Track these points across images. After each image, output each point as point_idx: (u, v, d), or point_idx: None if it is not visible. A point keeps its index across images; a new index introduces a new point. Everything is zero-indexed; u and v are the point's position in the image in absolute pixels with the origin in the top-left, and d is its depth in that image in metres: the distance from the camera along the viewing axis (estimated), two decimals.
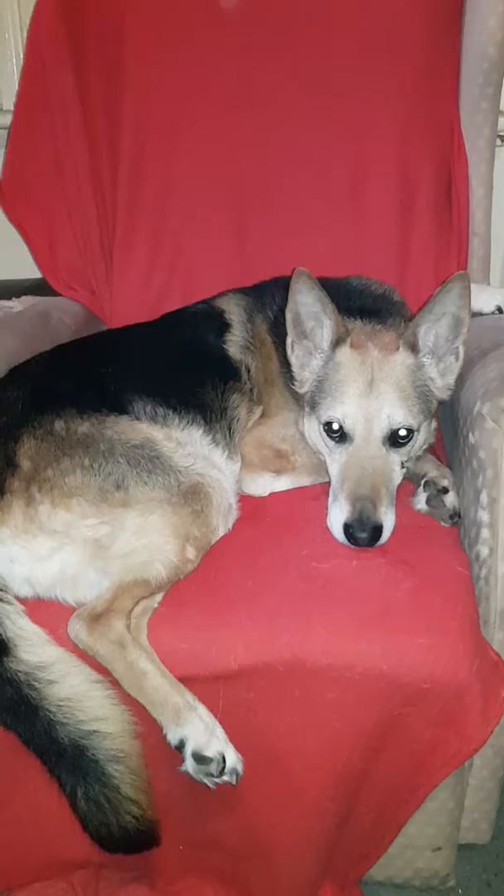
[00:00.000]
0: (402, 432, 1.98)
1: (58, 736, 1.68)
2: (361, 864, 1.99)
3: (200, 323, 2.38)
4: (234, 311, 2.39)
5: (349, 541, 1.89)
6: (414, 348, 2.04)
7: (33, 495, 1.83)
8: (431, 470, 2.11)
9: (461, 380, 2.11)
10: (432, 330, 2.03)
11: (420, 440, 2.05)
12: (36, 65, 2.82)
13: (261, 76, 2.72)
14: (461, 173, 2.73)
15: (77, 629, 1.74)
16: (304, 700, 1.73)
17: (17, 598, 1.83)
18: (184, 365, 2.24)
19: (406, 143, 2.73)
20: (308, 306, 2.07)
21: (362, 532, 1.87)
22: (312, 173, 2.77)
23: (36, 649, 1.74)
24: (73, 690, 1.71)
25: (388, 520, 1.90)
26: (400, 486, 2.09)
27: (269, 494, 2.19)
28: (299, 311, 2.09)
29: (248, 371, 2.29)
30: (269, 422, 2.26)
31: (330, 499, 1.98)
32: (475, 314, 2.45)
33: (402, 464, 2.01)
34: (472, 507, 1.96)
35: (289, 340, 2.15)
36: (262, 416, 2.28)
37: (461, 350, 2.07)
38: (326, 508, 1.97)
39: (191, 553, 1.83)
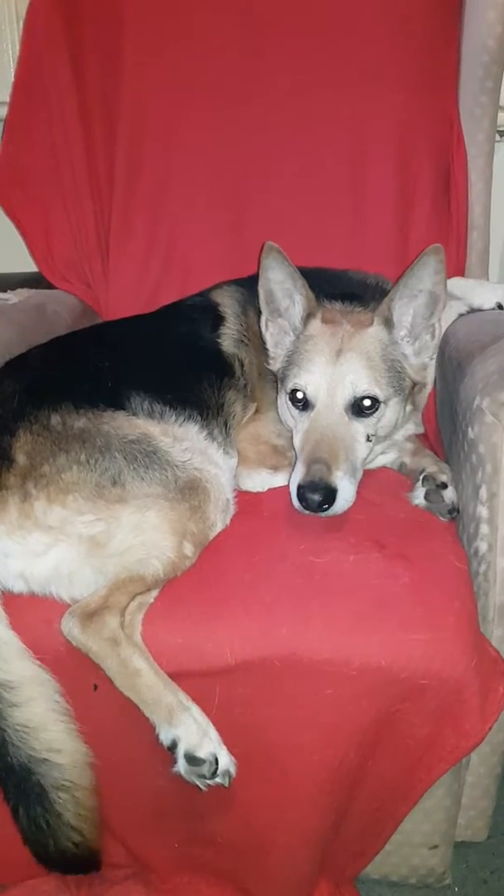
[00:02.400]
0: (367, 402, 1.97)
1: (8, 754, 1.68)
2: (358, 862, 1.98)
3: (196, 316, 2.37)
4: (228, 304, 2.38)
5: (301, 504, 1.87)
6: (388, 323, 2.04)
7: (29, 491, 1.81)
8: (430, 465, 2.10)
9: (460, 374, 2.10)
10: (409, 307, 2.03)
11: (389, 416, 2.03)
12: (32, 56, 2.80)
13: (259, 67, 2.71)
14: (460, 167, 2.71)
15: (70, 626, 1.72)
16: (300, 695, 1.72)
17: (11, 593, 1.81)
18: (180, 360, 2.23)
19: (405, 136, 2.72)
20: (280, 283, 2.09)
21: (313, 493, 1.85)
22: (311, 166, 2.75)
23: (6, 664, 1.72)
24: (33, 718, 1.70)
25: (343, 486, 1.88)
26: (399, 481, 2.09)
27: (267, 489, 2.18)
28: (272, 287, 2.11)
29: (242, 366, 2.28)
30: (264, 417, 2.25)
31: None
32: (475, 310, 2.45)
33: (368, 437, 2.00)
34: (472, 502, 1.95)
35: (263, 318, 2.16)
36: (257, 411, 2.27)
37: (437, 327, 2.07)
38: None
39: (188, 549, 1.82)
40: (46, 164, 2.86)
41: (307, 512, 1.89)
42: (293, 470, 1.96)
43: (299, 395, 2.02)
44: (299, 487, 1.88)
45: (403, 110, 2.71)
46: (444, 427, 2.34)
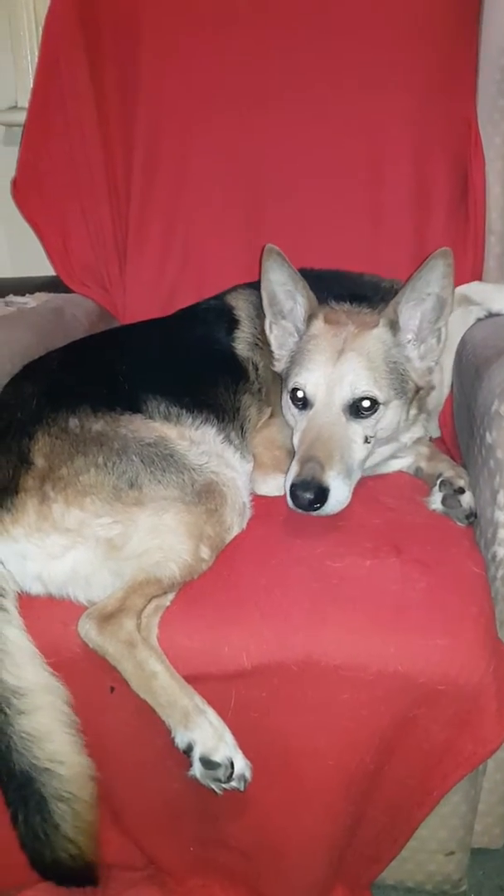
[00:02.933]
0: (366, 403, 1.96)
1: (11, 760, 1.68)
2: (373, 867, 1.97)
3: (211, 320, 2.38)
4: (242, 307, 2.39)
5: (294, 503, 1.88)
6: (393, 326, 2.04)
7: (47, 493, 1.81)
8: (447, 470, 2.09)
9: (477, 379, 2.09)
10: (416, 311, 2.03)
11: (389, 418, 2.03)
12: (51, 62, 2.82)
13: (276, 71, 2.72)
14: (478, 171, 2.70)
15: (87, 628, 1.72)
16: (317, 700, 1.72)
17: (28, 595, 1.82)
18: (196, 364, 2.24)
19: (422, 140, 2.72)
20: (281, 284, 2.11)
21: (305, 492, 1.86)
22: (327, 169, 2.76)
23: (18, 670, 1.72)
24: (39, 727, 1.70)
25: (336, 486, 1.89)
26: (415, 486, 2.08)
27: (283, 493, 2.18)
28: (274, 289, 2.13)
29: (257, 369, 2.29)
30: (278, 421, 2.24)
31: None
32: (493, 315, 2.44)
33: (367, 438, 1.99)
34: (489, 507, 1.94)
35: (267, 321, 2.17)
36: (272, 415, 2.27)
37: (443, 331, 2.06)
38: None
39: (205, 553, 1.82)
40: (64, 170, 2.87)
41: (300, 511, 1.89)
42: (290, 468, 1.97)
43: (299, 393, 2.03)
44: (292, 486, 1.89)
45: (420, 114, 2.71)
46: (462, 432, 2.33)
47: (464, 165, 2.73)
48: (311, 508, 1.88)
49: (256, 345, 2.32)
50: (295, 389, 2.03)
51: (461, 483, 2.04)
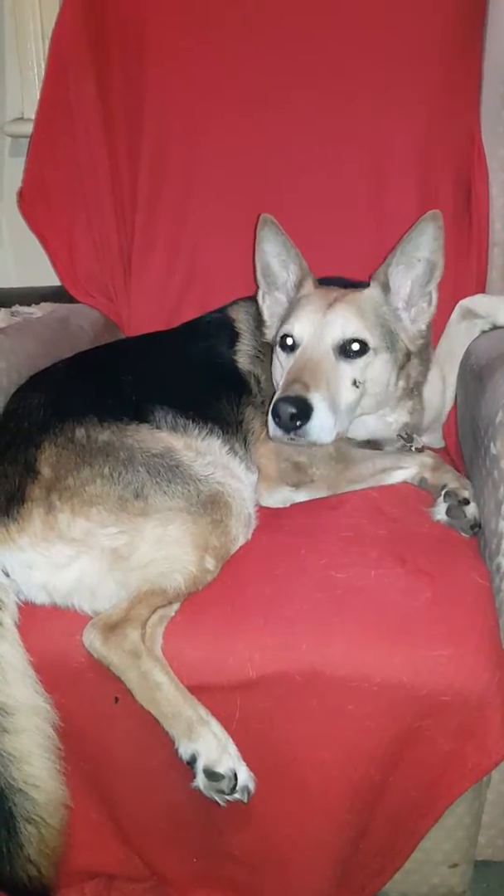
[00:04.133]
0: (355, 346, 1.97)
1: None
2: (377, 879, 1.96)
3: (213, 333, 2.39)
4: (242, 319, 2.40)
5: (274, 420, 1.88)
6: (385, 288, 2.06)
7: (53, 503, 1.82)
8: (451, 481, 2.09)
9: (481, 390, 2.09)
10: (407, 276, 2.05)
11: (378, 368, 2.04)
12: (58, 73, 2.83)
13: (281, 83, 2.73)
14: (481, 183, 2.71)
15: (91, 638, 1.73)
16: (321, 710, 1.72)
17: (33, 605, 1.82)
18: (199, 377, 2.25)
19: (426, 150, 2.73)
20: (276, 255, 2.14)
21: (287, 405, 1.85)
22: (332, 180, 2.77)
23: (8, 688, 1.71)
24: (19, 748, 1.70)
25: (320, 408, 1.88)
26: (420, 496, 2.07)
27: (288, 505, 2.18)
28: (268, 260, 2.16)
29: (259, 383, 2.29)
30: None
31: None
32: (499, 327, 2.44)
33: (355, 382, 2.00)
34: (493, 518, 1.94)
35: (259, 292, 2.19)
36: None
37: (434, 295, 2.08)
38: None
39: (210, 563, 1.83)
40: (70, 181, 2.89)
41: (280, 432, 1.88)
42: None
43: (288, 340, 2.04)
44: (274, 403, 1.88)
45: (424, 125, 2.72)
46: (466, 442, 2.33)
47: (467, 177, 2.74)
48: (293, 425, 1.86)
49: (257, 357, 2.32)
50: (285, 336, 2.05)
51: (466, 494, 2.04)
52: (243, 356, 2.32)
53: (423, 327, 2.11)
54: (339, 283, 2.27)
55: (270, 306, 2.21)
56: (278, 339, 2.08)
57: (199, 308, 2.68)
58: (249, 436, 2.21)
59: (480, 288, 2.70)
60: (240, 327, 2.37)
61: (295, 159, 2.78)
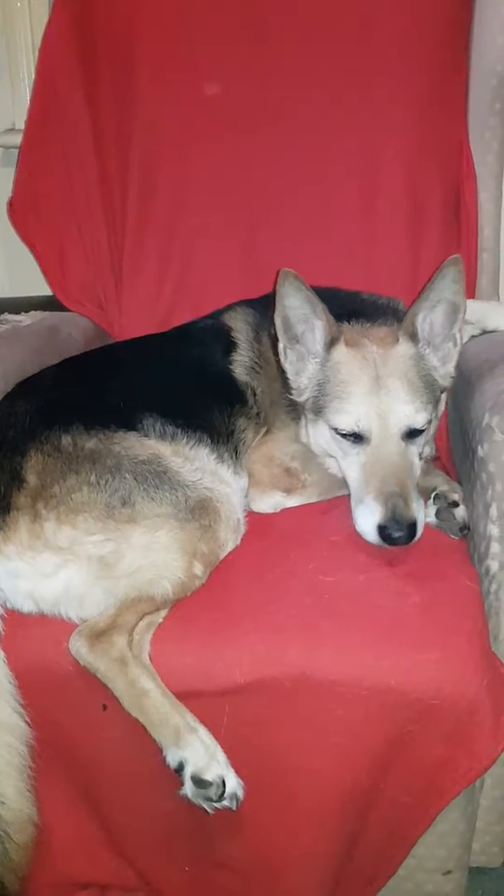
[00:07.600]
0: (419, 426, 1.96)
1: None
2: (370, 887, 1.95)
3: (208, 340, 2.36)
4: (240, 328, 2.37)
5: (386, 542, 1.86)
6: (414, 338, 2.03)
7: (39, 511, 1.81)
8: (441, 484, 2.09)
9: (470, 393, 2.09)
10: (428, 318, 2.03)
11: (433, 428, 2.05)
12: (47, 84, 2.84)
13: (271, 93, 2.73)
14: (470, 190, 2.72)
15: (78, 646, 1.72)
16: (310, 716, 1.71)
17: (20, 613, 1.81)
18: (191, 385, 2.22)
19: (415, 159, 2.73)
20: (296, 309, 2.04)
21: (399, 531, 1.84)
22: (322, 188, 2.77)
23: None
24: None
25: (420, 514, 1.88)
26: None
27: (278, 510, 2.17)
28: (288, 314, 2.05)
29: (255, 395, 2.26)
30: (276, 437, 2.23)
31: (353, 503, 1.95)
32: (489, 332, 2.45)
33: (420, 455, 2.00)
34: (482, 521, 1.94)
35: (280, 346, 2.11)
36: (268, 431, 2.25)
37: (458, 336, 2.06)
38: (351, 514, 1.94)
39: (198, 569, 1.82)
40: (61, 190, 2.89)
41: (388, 546, 1.87)
42: (354, 504, 1.94)
43: (349, 429, 1.98)
44: (382, 528, 1.85)
45: (413, 133, 2.73)
46: (455, 446, 2.33)
47: (456, 184, 2.75)
48: (406, 543, 1.86)
49: (254, 369, 2.29)
50: (343, 426, 1.99)
51: (455, 497, 2.04)
52: (240, 367, 2.29)
53: (451, 368, 2.10)
54: (332, 294, 2.27)
55: (294, 363, 2.11)
56: (332, 425, 2.01)
57: (191, 316, 2.66)
58: (241, 446, 2.18)
59: (470, 294, 2.70)
60: (237, 336, 2.34)
61: (285, 170, 2.79)
